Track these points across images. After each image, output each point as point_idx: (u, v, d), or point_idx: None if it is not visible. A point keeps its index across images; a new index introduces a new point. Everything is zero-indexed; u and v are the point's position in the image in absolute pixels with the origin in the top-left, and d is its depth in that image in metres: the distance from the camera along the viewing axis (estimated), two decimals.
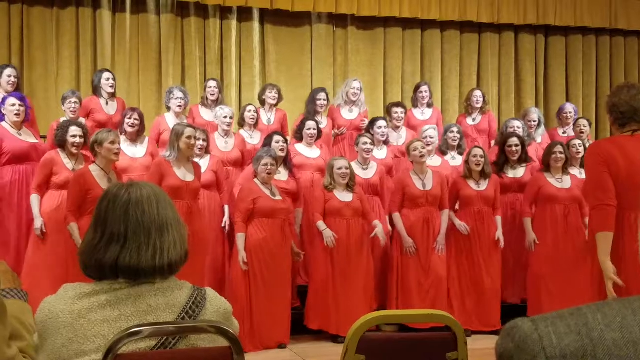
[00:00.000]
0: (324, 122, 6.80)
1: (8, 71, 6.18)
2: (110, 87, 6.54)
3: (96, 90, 6.61)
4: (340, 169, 5.65)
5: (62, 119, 6.19)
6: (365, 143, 6.08)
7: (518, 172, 6.40)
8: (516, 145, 6.33)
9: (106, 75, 6.58)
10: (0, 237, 5.54)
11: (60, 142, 5.40)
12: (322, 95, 6.87)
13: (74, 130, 5.38)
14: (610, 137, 3.51)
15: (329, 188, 5.67)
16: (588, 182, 3.49)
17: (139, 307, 1.65)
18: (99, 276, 1.70)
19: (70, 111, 6.14)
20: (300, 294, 5.98)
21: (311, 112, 6.78)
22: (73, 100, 6.16)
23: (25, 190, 5.55)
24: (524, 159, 6.41)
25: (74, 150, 5.38)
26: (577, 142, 6.50)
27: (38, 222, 5.25)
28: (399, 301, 5.86)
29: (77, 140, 5.36)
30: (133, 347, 1.61)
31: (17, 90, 6.21)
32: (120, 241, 1.68)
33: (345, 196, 5.68)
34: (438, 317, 2.19)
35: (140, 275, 1.68)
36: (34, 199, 5.33)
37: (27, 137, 5.72)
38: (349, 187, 5.70)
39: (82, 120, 6.16)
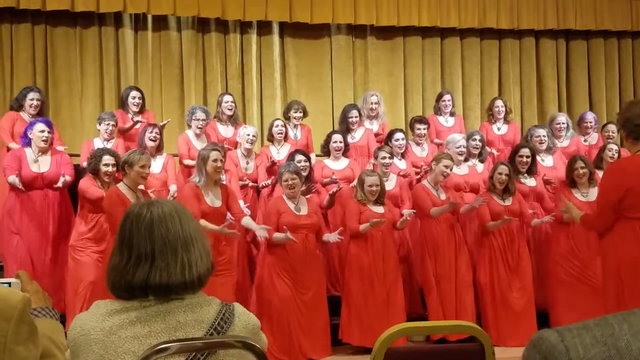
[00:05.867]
0: (357, 136, 6.82)
1: (32, 94, 6.28)
2: (136, 105, 6.64)
3: (124, 105, 6.72)
4: (370, 186, 5.64)
5: (94, 140, 6.29)
6: (384, 157, 6.08)
7: (530, 181, 6.35)
8: (527, 157, 6.29)
9: (133, 93, 6.68)
10: (16, 261, 5.59)
11: (94, 171, 5.50)
12: (354, 113, 6.84)
13: (107, 159, 5.48)
14: (630, 156, 3.68)
15: (361, 202, 5.67)
16: (599, 202, 3.86)
17: (169, 323, 1.67)
18: (129, 296, 1.71)
19: (106, 133, 6.23)
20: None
21: (344, 130, 6.79)
22: (111, 123, 6.25)
23: (31, 215, 5.66)
24: (533, 171, 6.37)
25: (106, 179, 5.48)
26: (614, 146, 6.43)
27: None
28: (430, 311, 5.82)
29: (110, 169, 5.47)
30: None
31: (41, 112, 6.30)
32: (148, 261, 1.69)
33: (377, 208, 5.68)
34: (464, 327, 2.18)
35: (171, 292, 1.69)
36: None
37: (42, 165, 5.75)
38: (379, 202, 5.71)
39: (113, 142, 6.28)
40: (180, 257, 1.70)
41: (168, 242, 1.71)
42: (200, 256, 1.74)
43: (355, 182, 5.99)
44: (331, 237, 5.57)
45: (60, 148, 6.08)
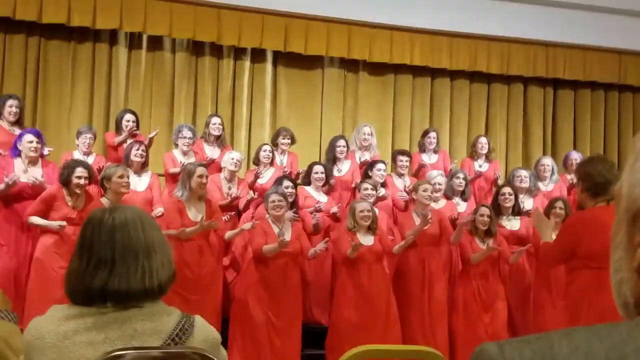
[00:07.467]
0: (344, 169, 6.83)
1: (10, 102, 6.21)
2: (128, 129, 6.61)
3: (118, 127, 6.73)
4: (362, 211, 5.61)
5: (74, 152, 6.28)
6: (367, 189, 6.11)
7: (514, 225, 6.35)
8: (509, 194, 6.33)
9: (127, 116, 6.68)
10: None
11: (65, 182, 5.42)
12: (342, 142, 6.90)
13: (79, 171, 5.42)
14: (592, 209, 3.65)
15: (352, 230, 5.62)
16: (557, 244, 3.78)
17: (125, 331, 1.65)
18: (87, 303, 1.68)
19: (84, 145, 6.28)
20: (312, 335, 5.82)
21: (331, 159, 6.83)
22: (88, 135, 6.32)
23: (16, 228, 5.58)
24: (517, 210, 6.40)
25: (77, 190, 5.40)
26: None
27: (55, 224, 5.24)
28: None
29: (82, 182, 5.40)
30: None
31: (20, 119, 6.29)
32: (107, 266, 1.67)
33: (367, 239, 5.63)
34: (426, 353, 2.17)
35: (130, 299, 1.67)
36: (34, 218, 5.31)
37: (32, 174, 5.67)
38: (371, 229, 5.67)
39: (93, 156, 6.31)
40: (141, 264, 1.68)
41: (129, 249, 1.69)
42: (161, 263, 1.72)
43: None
44: (318, 246, 5.56)
45: (46, 151, 6.10)
